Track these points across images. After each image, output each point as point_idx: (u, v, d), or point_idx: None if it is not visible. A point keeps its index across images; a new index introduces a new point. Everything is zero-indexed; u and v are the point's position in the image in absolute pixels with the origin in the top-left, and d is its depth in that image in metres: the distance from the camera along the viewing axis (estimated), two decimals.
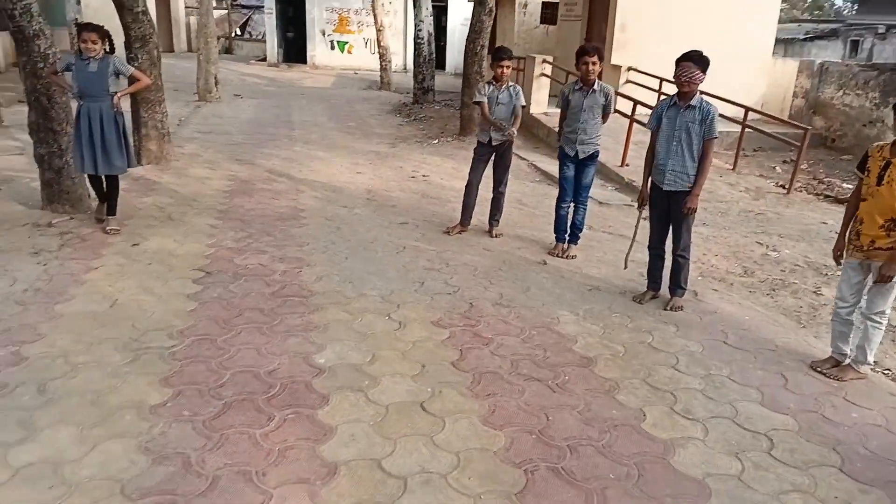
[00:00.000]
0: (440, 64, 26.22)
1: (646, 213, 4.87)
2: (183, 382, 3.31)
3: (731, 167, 9.51)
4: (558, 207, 5.71)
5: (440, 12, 27.57)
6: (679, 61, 4.32)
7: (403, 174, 8.52)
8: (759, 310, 4.80)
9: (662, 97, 5.12)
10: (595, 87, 5.38)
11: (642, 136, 8.54)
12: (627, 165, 8.88)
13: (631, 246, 5.19)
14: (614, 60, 12.38)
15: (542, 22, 17.00)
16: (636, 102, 9.10)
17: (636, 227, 5.06)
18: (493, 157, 6.02)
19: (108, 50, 5.08)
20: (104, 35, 5.03)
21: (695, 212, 4.51)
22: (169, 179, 7.42)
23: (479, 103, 5.79)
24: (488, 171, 6.07)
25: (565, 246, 5.73)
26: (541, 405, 3.34)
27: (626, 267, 5.26)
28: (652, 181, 4.68)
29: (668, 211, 4.62)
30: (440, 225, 6.30)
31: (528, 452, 2.95)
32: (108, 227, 5.41)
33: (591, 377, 3.66)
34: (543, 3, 17.17)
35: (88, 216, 5.76)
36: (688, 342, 4.15)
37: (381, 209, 6.76)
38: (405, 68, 25.18)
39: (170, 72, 14.96)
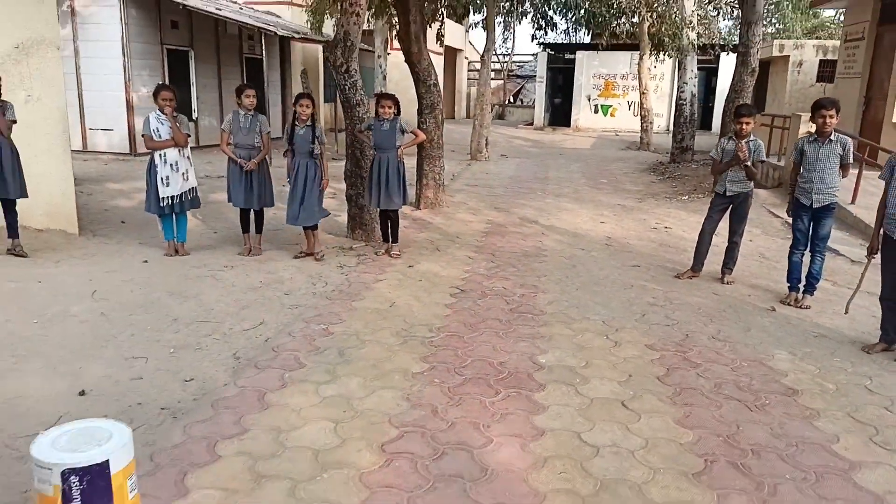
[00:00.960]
0: (706, 124, 25.86)
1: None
2: (436, 361, 4.30)
3: None
4: (791, 255, 5.81)
5: (710, 74, 27.29)
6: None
7: (645, 226, 8.99)
8: None
9: None
10: (832, 137, 5.49)
11: None
12: None
13: (855, 292, 5.18)
14: None
15: (818, 80, 16.19)
16: None
17: (863, 273, 5.06)
18: (729, 208, 6.31)
19: (396, 113, 6.56)
20: (395, 102, 6.53)
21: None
22: (440, 221, 8.85)
23: (712, 158, 6.19)
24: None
25: (799, 295, 5.78)
26: (734, 419, 3.69)
27: (846, 312, 5.23)
28: (884, 232, 4.69)
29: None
30: (672, 270, 6.70)
31: (711, 448, 3.36)
32: (392, 252, 6.82)
33: (793, 404, 3.88)
34: (821, 61, 16.36)
35: (378, 244, 7.24)
36: None
37: (617, 254, 7.36)
38: (668, 130, 25.28)
39: (449, 135, 17.15)
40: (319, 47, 21.21)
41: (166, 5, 14.66)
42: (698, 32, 19.28)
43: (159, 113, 6.26)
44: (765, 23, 30.80)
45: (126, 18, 13.96)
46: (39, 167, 6.63)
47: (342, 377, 4.03)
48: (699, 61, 22.01)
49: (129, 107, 14.35)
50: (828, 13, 28.54)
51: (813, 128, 5.63)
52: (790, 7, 26.10)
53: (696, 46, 17.10)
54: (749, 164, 5.88)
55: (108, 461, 2.29)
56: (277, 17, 20.11)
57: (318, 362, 4.24)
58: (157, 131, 6.24)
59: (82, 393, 3.78)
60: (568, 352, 4.54)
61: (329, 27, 18.33)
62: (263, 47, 16.21)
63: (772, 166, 11.58)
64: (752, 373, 4.30)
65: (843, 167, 5.55)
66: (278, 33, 16.28)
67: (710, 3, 19.77)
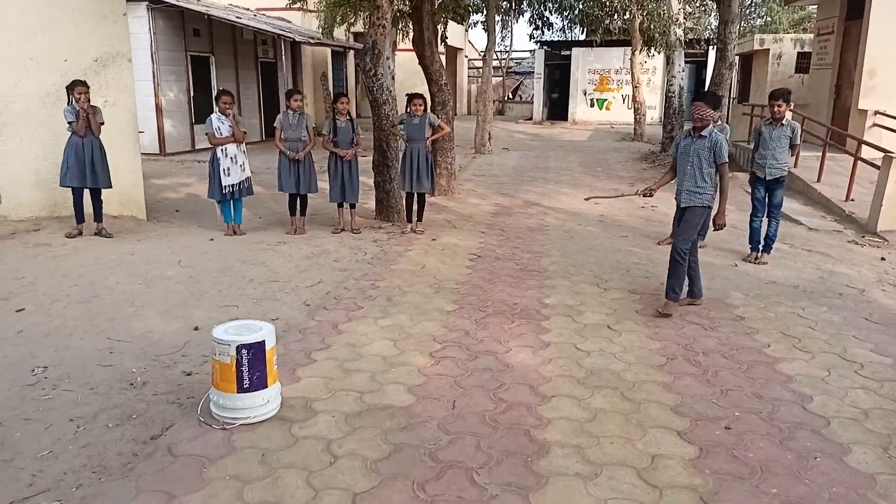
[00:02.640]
0: None
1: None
2: (464, 303, 5.50)
3: None
4: (751, 221, 6.99)
5: (700, 67, 28.49)
6: (692, 101, 5.45)
7: (635, 205, 10.18)
8: None
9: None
10: (784, 122, 6.67)
11: (870, 175, 9.17)
12: (852, 200, 9.45)
13: (607, 199, 7.34)
14: (862, 105, 12.67)
15: (796, 71, 17.36)
16: (860, 142, 9.70)
17: (619, 196, 7.37)
18: None
19: (424, 109, 7.75)
20: (425, 100, 7.73)
21: (723, 227, 5.37)
22: (453, 204, 10.04)
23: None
24: None
25: (758, 254, 6.96)
26: (692, 335, 4.88)
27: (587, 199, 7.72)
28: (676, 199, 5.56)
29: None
30: (655, 239, 7.89)
31: (672, 352, 4.56)
32: (417, 229, 8.02)
33: (739, 326, 5.08)
34: (799, 53, 17.53)
35: (403, 224, 8.43)
36: (833, 316, 5.30)
37: (609, 227, 8.56)
38: (660, 121, 26.44)
39: (454, 130, 18.30)
40: (328, 50, 22.38)
41: (190, 15, 15.85)
42: (686, 28, 20.47)
43: (220, 114, 7.44)
44: (752, 16, 32.00)
45: (154, 28, 15.13)
46: (114, 162, 7.76)
47: (393, 314, 5.23)
48: (690, 55, 23.19)
49: (159, 110, 15.54)
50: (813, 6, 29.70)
51: (788, 116, 6.77)
52: (776, 1, 27.25)
53: (683, 42, 18.27)
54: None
55: (264, 341, 3.50)
56: (289, 22, 21.29)
57: (372, 305, 5.44)
58: (219, 129, 7.42)
59: (196, 329, 4.97)
60: (567, 296, 5.74)
61: (339, 32, 19.49)
62: (283, 52, 17.36)
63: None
64: (711, 306, 5.50)
65: (792, 147, 6.73)
66: (296, 39, 17.44)
67: (696, 1, 20.92)
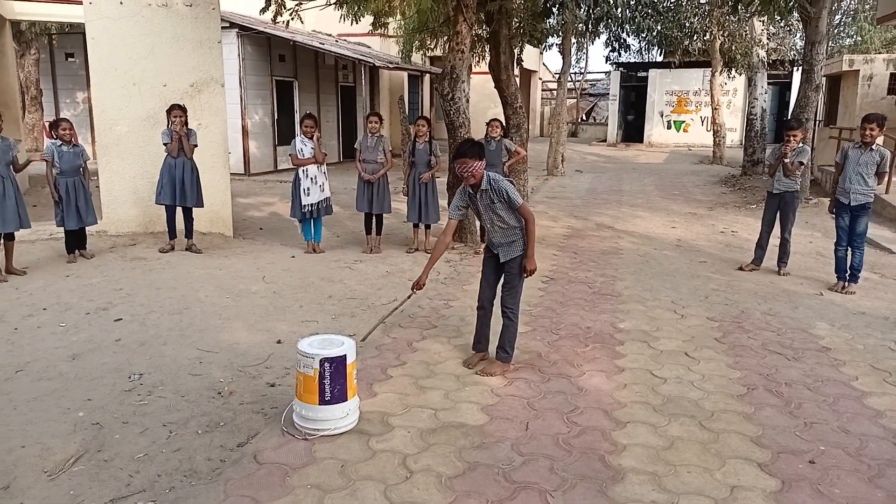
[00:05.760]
0: (781, 138, 26.11)
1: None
2: (537, 325, 5.52)
3: None
4: (836, 250, 6.72)
5: (784, 88, 27.62)
6: (455, 158, 4.65)
7: (713, 230, 9.94)
8: None
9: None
10: (873, 147, 6.42)
11: None
12: None
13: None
14: None
15: (889, 93, 16.58)
16: None
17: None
18: (778, 206, 7.27)
19: (502, 134, 7.86)
20: (501, 124, 7.84)
21: (534, 272, 4.68)
22: None
23: (769, 163, 7.19)
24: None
25: (845, 284, 6.68)
26: (774, 365, 4.74)
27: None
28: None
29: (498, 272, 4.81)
30: (736, 265, 7.68)
31: (753, 382, 4.44)
32: None
33: (824, 357, 4.89)
34: (892, 74, 16.74)
35: (476, 245, 8.52)
36: None
37: (686, 252, 8.39)
38: (741, 143, 25.69)
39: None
40: (404, 74, 22.91)
41: (276, 41, 16.58)
42: (770, 49, 19.92)
43: (303, 136, 7.77)
44: (841, 36, 30.78)
45: (242, 54, 15.89)
46: (205, 181, 8.20)
47: (465, 334, 5.30)
48: (773, 76, 22.54)
49: (245, 132, 16.27)
50: None
51: (879, 140, 6.52)
52: (867, 20, 26.16)
53: (765, 63, 17.79)
54: (788, 160, 6.86)
55: (345, 355, 3.64)
56: (368, 47, 21.96)
57: (445, 325, 5.53)
58: (301, 151, 7.74)
59: (279, 342, 5.18)
60: (642, 321, 5.67)
61: (416, 56, 19.95)
62: (363, 76, 17.91)
63: None
64: (794, 337, 5.32)
65: (879, 174, 6.46)
66: (376, 65, 17.95)
67: (781, 21, 20.32)
